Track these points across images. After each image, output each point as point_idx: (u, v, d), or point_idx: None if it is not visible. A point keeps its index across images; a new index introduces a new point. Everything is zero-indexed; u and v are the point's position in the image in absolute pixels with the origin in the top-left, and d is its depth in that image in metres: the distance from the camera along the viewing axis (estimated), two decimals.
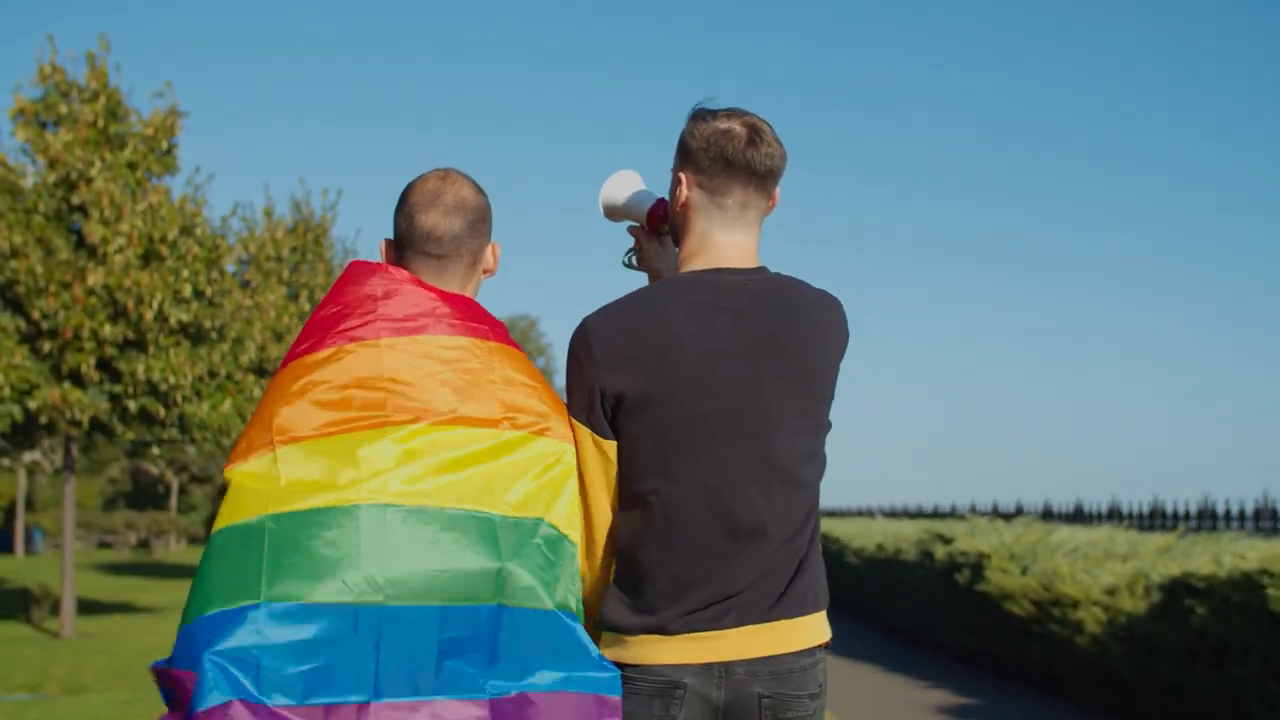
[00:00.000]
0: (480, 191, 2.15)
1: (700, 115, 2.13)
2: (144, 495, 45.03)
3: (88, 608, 16.43)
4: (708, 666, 2.00)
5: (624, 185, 2.42)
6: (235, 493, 1.90)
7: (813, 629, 2.08)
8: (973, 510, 25.28)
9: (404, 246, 2.11)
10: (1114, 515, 20.37)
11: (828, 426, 2.14)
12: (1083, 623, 8.80)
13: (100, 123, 12.89)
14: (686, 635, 2.01)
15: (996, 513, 23.15)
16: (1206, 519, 17.23)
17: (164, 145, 13.55)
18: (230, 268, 18.77)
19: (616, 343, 2.04)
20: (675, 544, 2.02)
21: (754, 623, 2.02)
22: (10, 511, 36.54)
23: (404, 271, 2.07)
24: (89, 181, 12.54)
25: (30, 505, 39.02)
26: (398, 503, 1.85)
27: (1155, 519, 18.88)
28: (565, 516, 1.99)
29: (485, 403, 1.96)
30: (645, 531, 2.04)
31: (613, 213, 2.44)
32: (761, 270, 2.13)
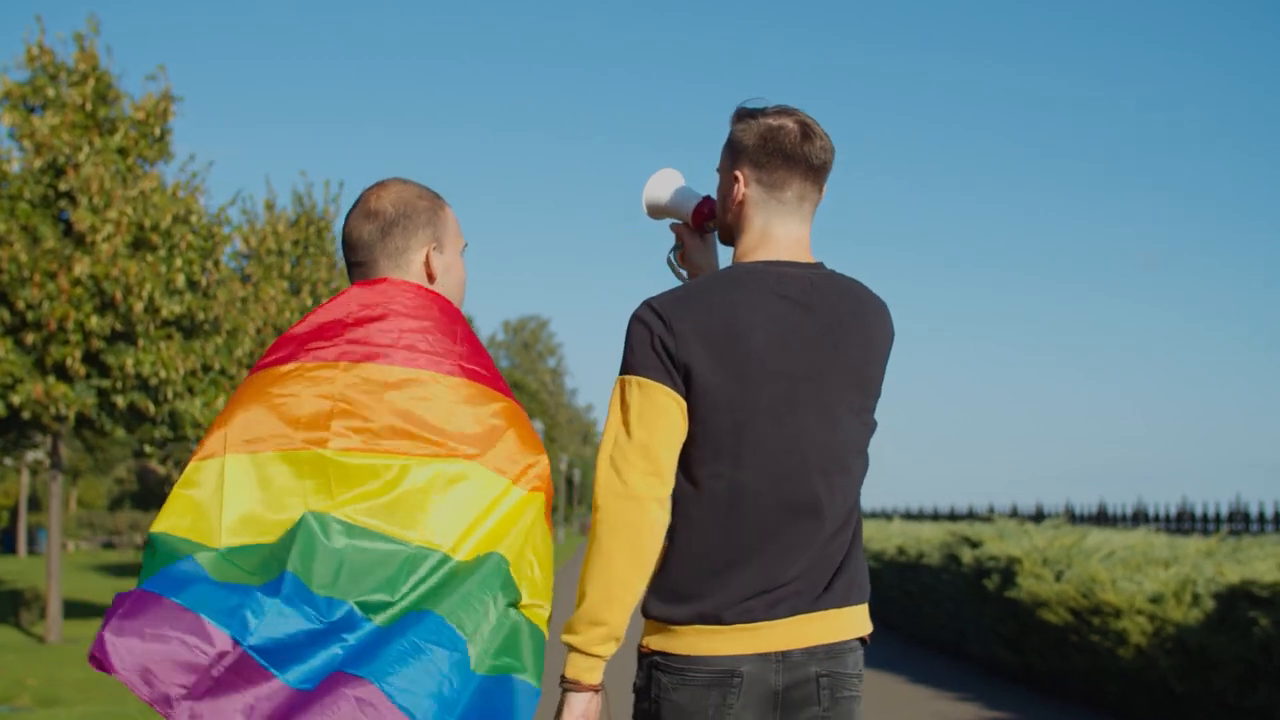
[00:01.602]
0: (409, 195, 2.15)
1: (747, 114, 2.17)
2: (151, 495, 44.56)
3: (82, 611, 15.93)
4: (764, 655, 2.01)
5: (667, 183, 2.43)
6: (180, 501, 1.97)
7: (859, 619, 2.12)
8: (991, 511, 24.66)
9: (345, 258, 2.18)
10: (1139, 517, 19.72)
11: (875, 425, 2.18)
12: (1126, 633, 8.19)
13: (89, 106, 12.33)
14: (740, 625, 2.01)
15: (1015, 514, 22.51)
16: (1238, 521, 16.56)
17: (157, 131, 12.98)
18: (230, 261, 18.35)
19: (687, 323, 2.03)
20: (733, 528, 2.02)
21: (805, 612, 2.04)
22: (15, 512, 36.11)
23: (378, 289, 2.08)
24: (77, 167, 12.00)
25: (37, 505, 38.58)
26: (327, 512, 1.91)
27: (1184, 521, 18.21)
28: (509, 547, 1.95)
29: (430, 431, 1.96)
30: (703, 514, 2.04)
31: (656, 211, 2.45)
32: (820, 265, 2.17)
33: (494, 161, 71.32)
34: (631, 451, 2.01)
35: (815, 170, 2.15)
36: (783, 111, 2.16)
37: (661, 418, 2.02)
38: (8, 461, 30.15)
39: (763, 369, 2.04)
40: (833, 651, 2.06)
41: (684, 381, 2.03)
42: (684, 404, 2.03)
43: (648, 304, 2.07)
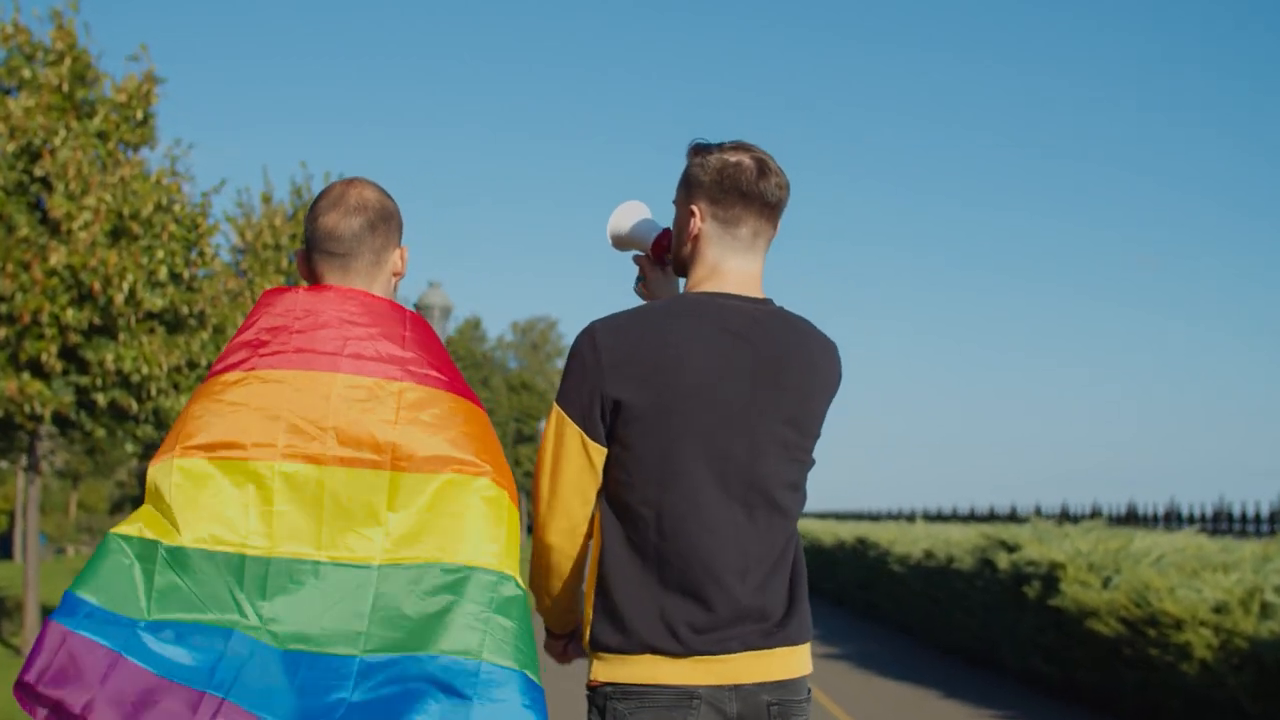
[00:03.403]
0: (385, 196, 2.19)
1: (703, 149, 2.20)
2: None
3: None
4: (719, 685, 2.06)
5: (630, 216, 2.49)
6: (146, 504, 1.97)
7: (806, 657, 2.18)
8: (1013, 510, 23.88)
9: (311, 249, 2.15)
10: (1172, 518, 18.94)
11: (811, 463, 2.21)
12: (1190, 646, 7.44)
13: (66, 87, 11.61)
14: (694, 658, 2.06)
15: (1039, 513, 21.73)
16: None
17: (139, 114, 12.22)
18: (225, 255, 17.65)
19: (623, 351, 2.08)
20: (664, 553, 2.08)
21: (757, 648, 2.09)
22: (14, 516, 35.48)
23: (324, 296, 2.08)
24: (53, 152, 11.29)
25: (38, 509, 37.94)
26: (282, 555, 1.91)
27: (1220, 522, 17.43)
28: (474, 552, 1.93)
29: (378, 442, 1.96)
30: (634, 539, 2.09)
31: (619, 242, 2.51)
32: (768, 302, 2.20)
33: (500, 161, 70.84)
34: (543, 485, 2.14)
35: (770, 208, 2.18)
36: (739, 147, 2.18)
37: (568, 457, 2.10)
38: (3, 465, 29.55)
39: (694, 399, 2.07)
40: (782, 682, 2.11)
41: (614, 410, 2.08)
42: (593, 444, 2.09)
43: (590, 329, 2.12)
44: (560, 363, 70.25)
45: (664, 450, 2.06)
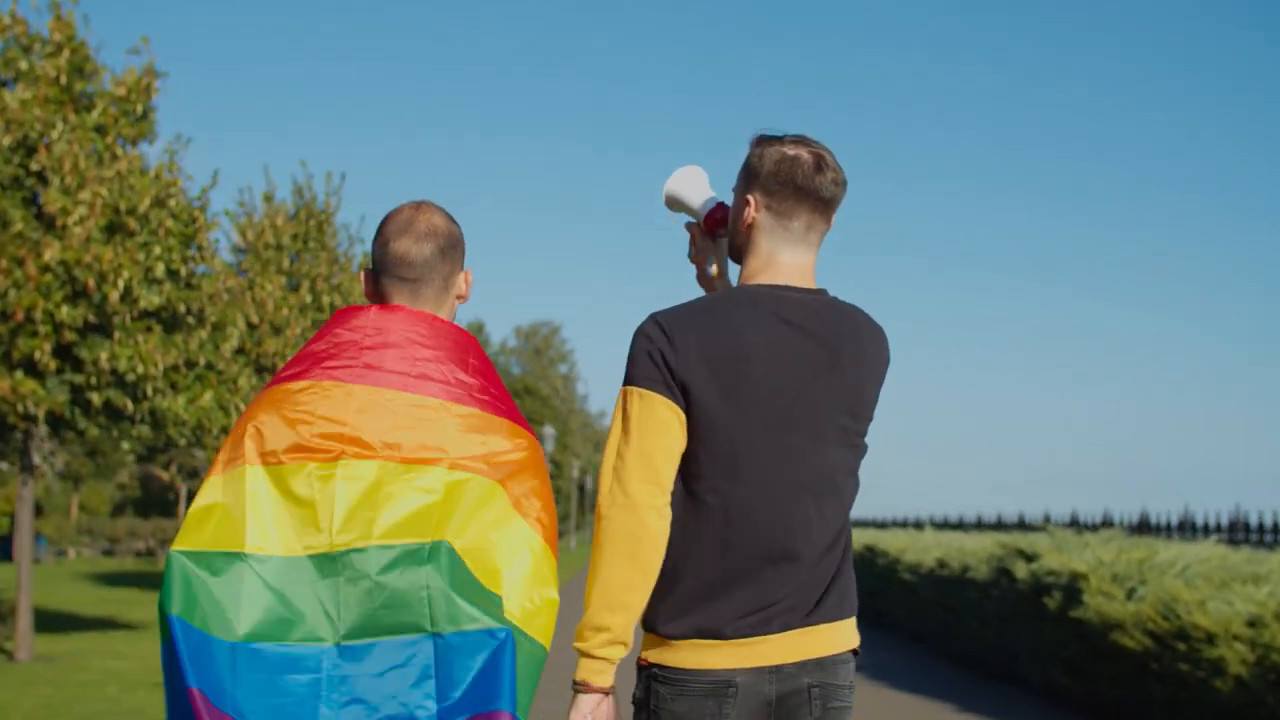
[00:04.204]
0: (452, 221, 2.26)
1: (766, 140, 2.24)
2: (153, 502, 43.69)
3: (64, 624, 15.02)
4: (759, 668, 2.09)
5: (689, 181, 2.48)
6: (213, 515, 2.00)
7: (848, 632, 2.19)
8: (1021, 520, 23.61)
9: (380, 272, 2.22)
10: (1186, 526, 18.65)
11: (865, 448, 2.26)
12: (1223, 662, 7.14)
13: (64, 80, 11.36)
14: (737, 641, 2.09)
15: (1048, 521, 21.43)
16: None
17: (139, 108, 11.97)
18: (226, 254, 17.38)
19: (689, 341, 2.10)
20: (731, 542, 2.10)
21: (797, 627, 2.11)
22: (15, 518, 35.26)
23: (394, 316, 2.16)
24: (49, 146, 11.02)
25: (40, 511, 37.72)
26: (348, 547, 1.98)
27: (1236, 531, 17.14)
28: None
29: (433, 446, 2.04)
30: (701, 529, 2.11)
31: (674, 204, 2.50)
32: (822, 292, 2.24)
33: (505, 165, 70.73)
34: (630, 460, 2.09)
35: (824, 203, 2.21)
36: (799, 141, 2.21)
37: (660, 428, 2.08)
38: (3, 466, 29.31)
39: (759, 389, 2.10)
40: (823, 664, 2.13)
41: (683, 397, 2.09)
42: (683, 416, 2.09)
43: (653, 318, 2.14)
44: (564, 368, 70.00)
45: (730, 441, 2.08)
